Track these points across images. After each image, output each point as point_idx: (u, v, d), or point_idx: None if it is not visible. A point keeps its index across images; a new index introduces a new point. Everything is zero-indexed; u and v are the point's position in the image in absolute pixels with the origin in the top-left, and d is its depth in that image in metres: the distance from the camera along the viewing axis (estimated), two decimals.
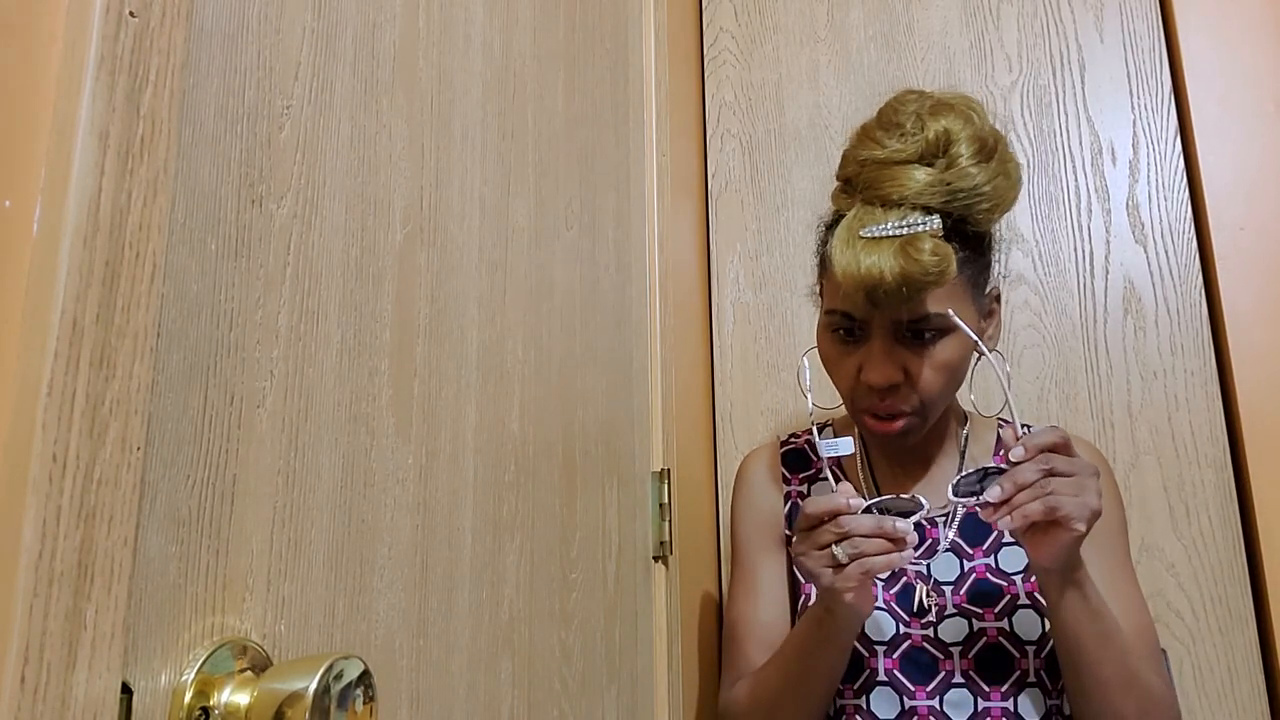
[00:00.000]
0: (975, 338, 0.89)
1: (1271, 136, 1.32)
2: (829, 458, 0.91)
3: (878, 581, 0.99)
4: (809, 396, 0.94)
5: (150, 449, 0.41)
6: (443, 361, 0.67)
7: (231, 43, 0.49)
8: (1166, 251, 1.35)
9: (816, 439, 0.92)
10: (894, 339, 0.91)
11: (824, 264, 0.98)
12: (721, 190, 1.57)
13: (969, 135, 0.88)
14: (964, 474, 0.86)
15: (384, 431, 0.59)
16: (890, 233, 0.85)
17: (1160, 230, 1.36)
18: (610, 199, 1.07)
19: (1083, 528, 0.80)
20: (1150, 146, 1.38)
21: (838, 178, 0.96)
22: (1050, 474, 0.81)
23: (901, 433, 0.94)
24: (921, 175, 0.86)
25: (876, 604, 0.97)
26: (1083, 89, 1.43)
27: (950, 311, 0.88)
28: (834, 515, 0.83)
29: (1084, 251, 1.38)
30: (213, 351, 0.46)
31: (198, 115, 0.46)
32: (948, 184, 0.86)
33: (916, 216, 0.85)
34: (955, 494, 0.87)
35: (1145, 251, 1.35)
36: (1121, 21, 1.44)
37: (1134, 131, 1.39)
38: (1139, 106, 1.40)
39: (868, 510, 0.85)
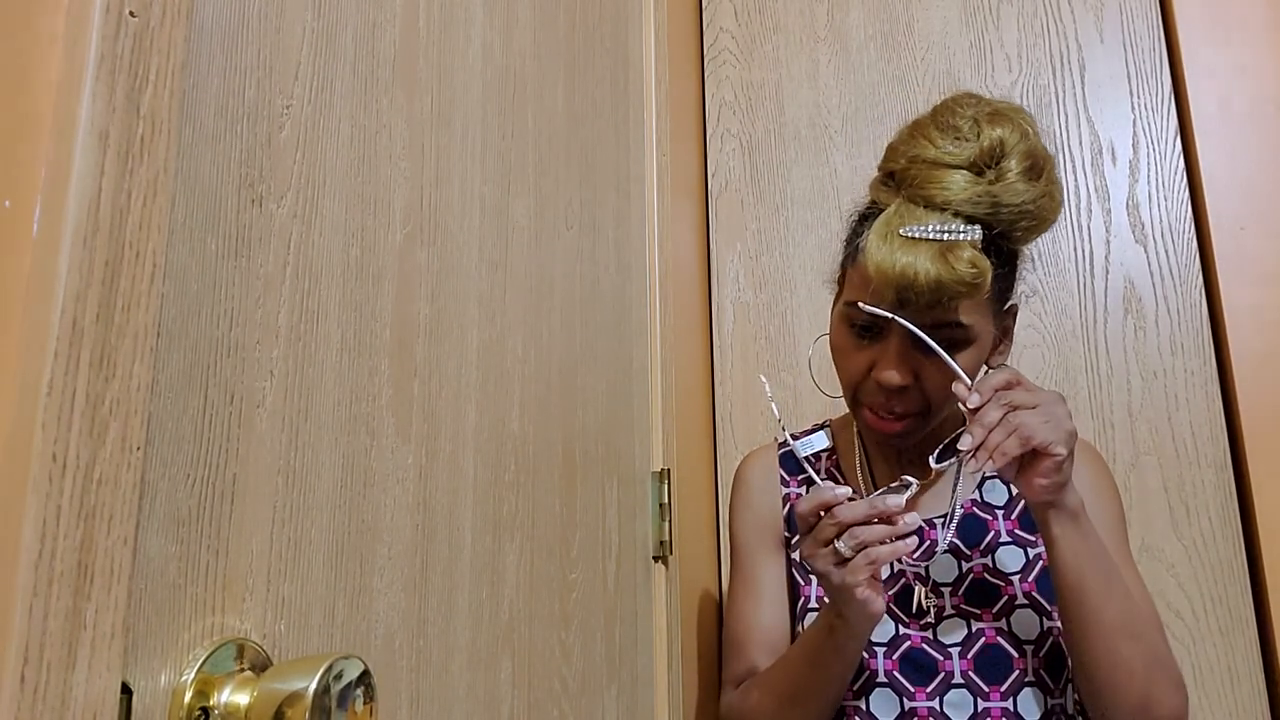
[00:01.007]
0: (959, 371, 0.88)
1: (1271, 136, 1.32)
2: (806, 456, 0.92)
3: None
4: (780, 422, 0.95)
5: (150, 449, 0.41)
6: (443, 361, 0.67)
7: (231, 42, 0.49)
8: (1166, 251, 1.35)
9: (792, 442, 0.92)
10: (911, 342, 0.91)
11: (850, 254, 0.97)
12: (721, 190, 1.57)
13: (1023, 150, 0.87)
14: (942, 446, 0.87)
15: (384, 431, 0.59)
16: (930, 235, 0.84)
17: (1160, 230, 1.36)
18: (610, 199, 1.07)
19: (1063, 450, 0.81)
20: (1150, 146, 1.38)
21: (881, 169, 0.95)
22: (1013, 409, 0.82)
23: (900, 434, 0.94)
24: (969, 183, 0.85)
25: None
26: (1083, 89, 1.43)
27: (941, 350, 0.87)
28: (825, 508, 0.83)
29: (1084, 251, 1.38)
30: (213, 351, 0.46)
31: (198, 115, 0.46)
32: (994, 196, 0.85)
33: (958, 224, 0.84)
34: (936, 462, 0.88)
35: (1145, 251, 1.35)
36: (1121, 21, 1.44)
37: (1134, 131, 1.40)
38: (1139, 106, 1.40)
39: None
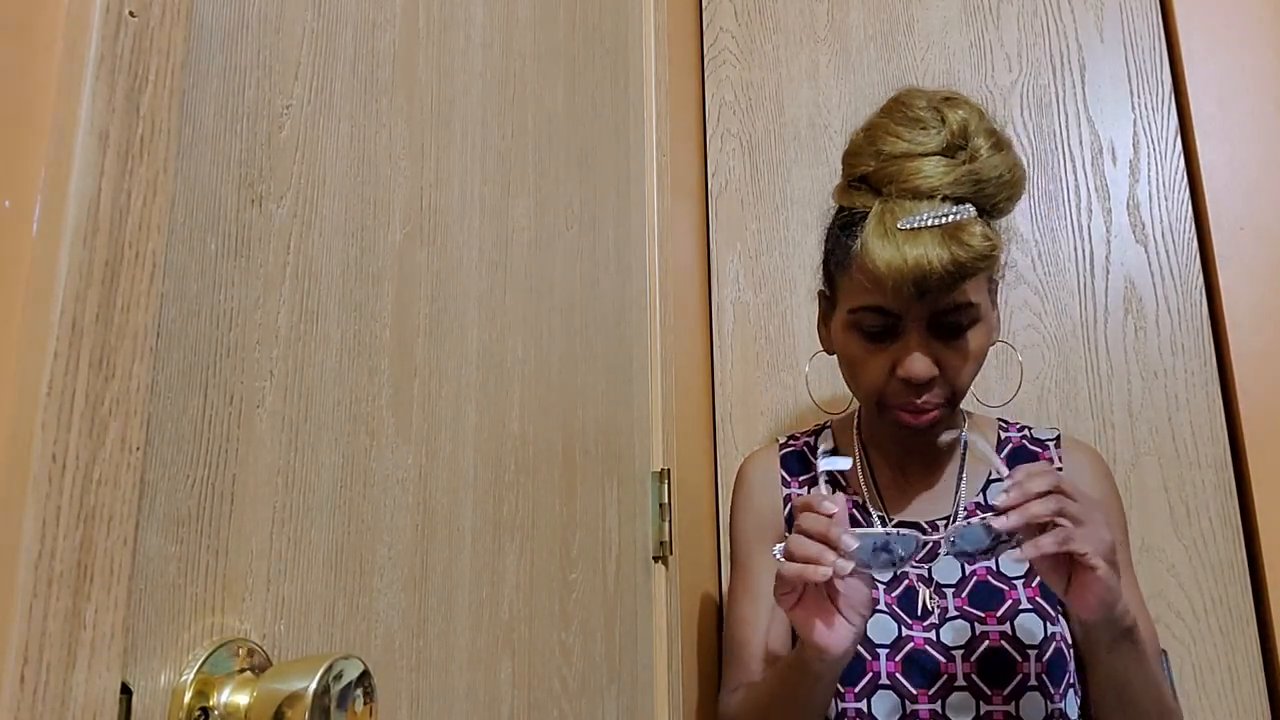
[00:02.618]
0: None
1: (1271, 136, 1.32)
2: (824, 472, 0.92)
3: (879, 585, 0.98)
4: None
5: (150, 449, 0.41)
6: (443, 361, 0.67)
7: (231, 42, 0.49)
8: (1167, 251, 1.35)
9: (817, 449, 0.92)
10: (928, 331, 0.91)
11: (841, 263, 0.96)
12: (721, 190, 1.57)
13: (986, 128, 0.90)
14: (958, 527, 0.81)
15: (384, 431, 0.59)
16: (929, 223, 0.85)
17: (1160, 230, 1.35)
18: (610, 199, 1.07)
19: (1099, 562, 0.75)
20: (1150, 146, 1.38)
21: (848, 176, 0.95)
22: (1059, 492, 0.77)
23: (932, 425, 0.93)
24: (948, 166, 0.87)
25: (879, 607, 0.97)
26: (1083, 89, 1.43)
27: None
28: (806, 509, 0.82)
29: (1084, 251, 1.38)
30: (213, 351, 0.46)
31: (198, 115, 0.46)
32: (975, 174, 0.87)
33: (949, 206, 0.86)
34: (953, 550, 0.82)
35: (1145, 251, 1.35)
36: (1122, 21, 1.44)
37: (1134, 131, 1.39)
38: (1139, 106, 1.40)
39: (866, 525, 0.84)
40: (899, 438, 1.00)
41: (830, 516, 0.79)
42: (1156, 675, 0.87)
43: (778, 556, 0.80)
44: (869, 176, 0.91)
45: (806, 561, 0.78)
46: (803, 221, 1.52)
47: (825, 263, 1.01)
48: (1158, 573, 1.24)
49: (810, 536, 0.79)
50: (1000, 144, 0.90)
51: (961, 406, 1.08)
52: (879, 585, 0.99)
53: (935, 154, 0.88)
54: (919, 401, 0.92)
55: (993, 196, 0.89)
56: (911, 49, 1.53)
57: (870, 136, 0.92)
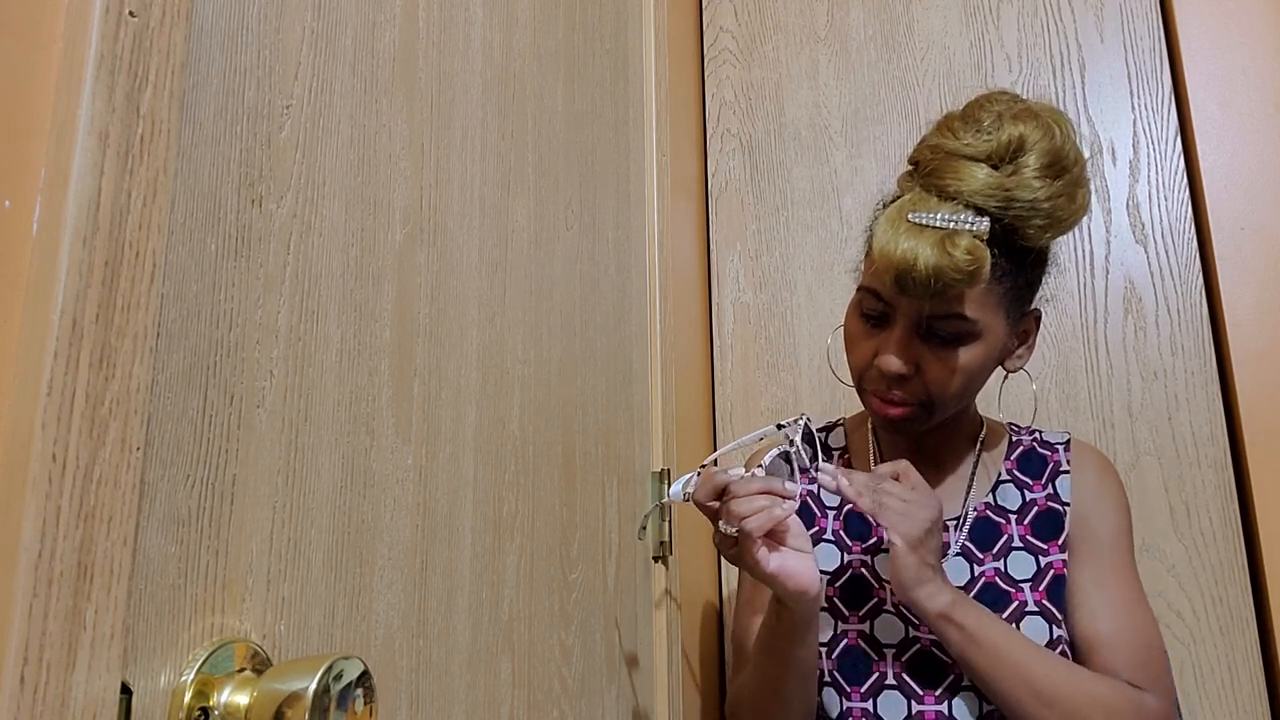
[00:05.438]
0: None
1: (1271, 136, 1.32)
2: (782, 452, 0.91)
3: (885, 584, 0.99)
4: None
5: (150, 449, 0.41)
6: (443, 361, 0.67)
7: (231, 43, 0.49)
8: (1167, 251, 1.35)
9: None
10: (915, 331, 0.91)
11: (869, 240, 0.98)
12: (721, 190, 1.57)
13: (1044, 148, 0.86)
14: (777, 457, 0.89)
15: (384, 431, 0.59)
16: (936, 223, 0.85)
17: (1160, 230, 1.35)
18: (610, 199, 1.07)
19: (897, 540, 0.84)
20: (1150, 146, 1.38)
21: (909, 160, 0.96)
22: (885, 492, 0.87)
23: (902, 420, 0.93)
24: (983, 175, 0.86)
25: (885, 607, 0.97)
26: (1083, 89, 1.43)
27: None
28: (721, 491, 0.84)
29: (1084, 251, 1.38)
30: (213, 351, 0.46)
31: (198, 115, 0.46)
32: (1007, 190, 0.85)
33: (967, 215, 0.85)
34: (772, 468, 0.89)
35: (1145, 251, 1.35)
36: (1122, 21, 1.44)
37: (1134, 131, 1.39)
38: (1139, 106, 1.40)
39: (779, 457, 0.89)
40: (884, 425, 1.00)
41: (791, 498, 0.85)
42: (1007, 665, 0.85)
43: (731, 533, 0.83)
44: (918, 164, 0.92)
45: (759, 511, 0.82)
46: (803, 221, 1.52)
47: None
48: (1158, 573, 1.24)
49: (749, 495, 0.84)
50: (1054, 171, 0.87)
51: (980, 411, 1.07)
52: (885, 582, 0.99)
53: (977, 159, 0.87)
54: (890, 394, 0.93)
55: (1023, 219, 0.86)
56: (911, 49, 1.53)
57: (938, 126, 0.93)
